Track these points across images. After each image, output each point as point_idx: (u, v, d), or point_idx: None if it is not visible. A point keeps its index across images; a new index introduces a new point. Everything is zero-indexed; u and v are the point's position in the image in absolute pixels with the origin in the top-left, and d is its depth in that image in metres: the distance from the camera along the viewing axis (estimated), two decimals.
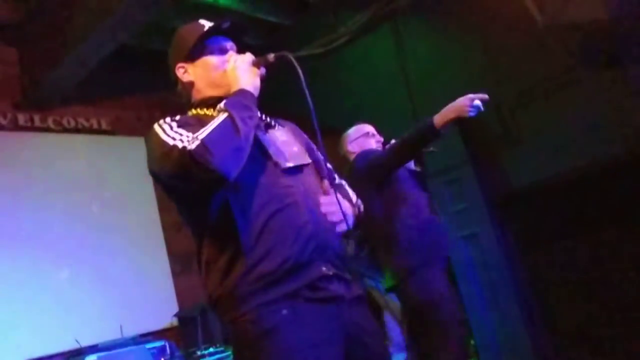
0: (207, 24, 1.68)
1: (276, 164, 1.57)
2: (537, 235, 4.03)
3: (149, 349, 3.00)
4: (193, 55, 1.67)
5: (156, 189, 4.98)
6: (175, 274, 4.84)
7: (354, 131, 3.03)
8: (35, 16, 4.22)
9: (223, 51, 1.68)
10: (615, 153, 3.56)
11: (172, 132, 1.48)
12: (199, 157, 1.37)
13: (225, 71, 1.63)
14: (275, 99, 5.69)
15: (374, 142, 2.95)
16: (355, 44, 4.81)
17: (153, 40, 4.65)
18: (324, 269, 1.49)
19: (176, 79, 1.71)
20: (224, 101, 1.53)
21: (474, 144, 4.12)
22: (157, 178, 1.54)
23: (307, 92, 1.56)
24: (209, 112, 1.61)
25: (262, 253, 1.46)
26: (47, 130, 4.39)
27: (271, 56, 1.62)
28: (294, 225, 1.49)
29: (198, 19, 1.71)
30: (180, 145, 1.41)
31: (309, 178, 1.63)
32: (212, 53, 1.67)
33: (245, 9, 4.69)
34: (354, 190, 1.91)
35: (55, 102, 4.44)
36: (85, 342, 3.49)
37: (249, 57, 1.63)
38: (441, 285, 2.65)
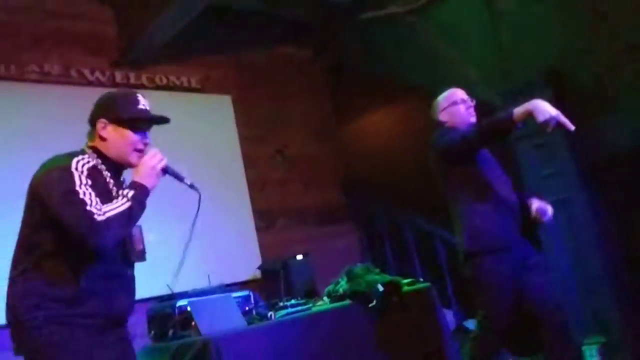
0: (141, 102, 1.98)
1: (124, 257, 1.98)
2: (633, 204, 3.82)
3: (235, 297, 3.14)
4: (119, 122, 1.93)
5: (242, 146, 5.14)
6: (259, 230, 5.02)
7: (443, 99, 2.97)
8: None
9: (143, 134, 1.97)
10: None
11: (84, 188, 1.78)
12: (98, 228, 1.72)
13: (133, 146, 1.94)
14: (370, 63, 5.68)
15: (464, 109, 2.90)
16: (444, 2, 4.66)
17: (240, 1, 4.72)
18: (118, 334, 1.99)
19: (92, 126, 1.97)
20: (132, 192, 1.87)
21: (569, 106, 3.92)
22: (45, 209, 1.79)
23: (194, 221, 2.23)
24: (110, 176, 1.95)
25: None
26: (141, 87, 4.58)
27: (187, 181, 2.11)
28: (106, 301, 1.90)
29: None
30: (88, 208, 1.73)
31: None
32: (133, 130, 1.94)
33: None
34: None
35: (148, 61, 4.63)
36: (176, 289, 3.69)
37: (163, 162, 1.98)
38: (497, 273, 2.69)
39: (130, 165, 1.97)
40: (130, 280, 2.04)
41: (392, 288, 3.25)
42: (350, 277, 3.30)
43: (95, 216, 1.72)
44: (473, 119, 2.88)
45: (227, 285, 3.77)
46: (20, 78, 4.08)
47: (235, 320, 2.88)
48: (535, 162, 4.02)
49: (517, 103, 4.00)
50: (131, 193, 1.86)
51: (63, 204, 1.74)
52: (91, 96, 4.22)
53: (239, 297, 3.21)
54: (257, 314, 3.07)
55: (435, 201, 3.17)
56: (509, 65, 4.27)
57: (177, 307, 2.97)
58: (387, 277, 3.33)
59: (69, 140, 4.08)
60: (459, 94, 2.95)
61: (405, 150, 5.02)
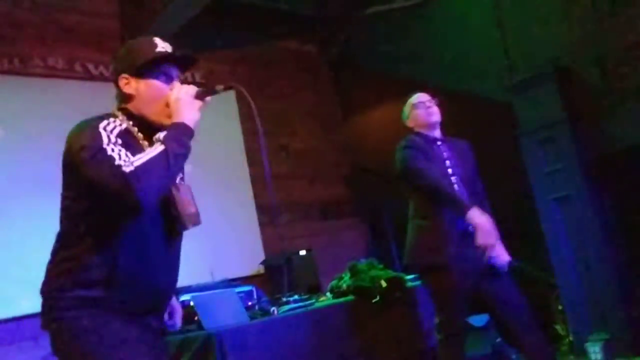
0: (160, 45, 1.73)
1: (171, 226, 1.70)
2: (638, 202, 3.80)
3: (238, 292, 3.14)
4: (140, 72, 1.70)
5: (246, 141, 5.13)
6: (262, 225, 5.01)
7: (406, 106, 3.05)
8: None
9: (169, 79, 1.72)
10: None
11: (112, 145, 1.55)
12: (128, 180, 1.47)
13: (166, 99, 1.69)
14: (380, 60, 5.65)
15: (424, 111, 2.95)
16: None
17: None
18: (152, 321, 1.71)
19: (116, 85, 1.74)
20: (163, 134, 1.61)
21: (573, 100, 3.89)
22: (76, 169, 1.58)
23: (257, 120, 1.77)
24: (143, 138, 1.69)
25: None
26: None
27: (220, 87, 1.73)
28: (145, 282, 1.65)
29: None
30: (116, 162, 1.50)
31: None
32: (158, 77, 1.71)
33: None
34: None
35: None
36: (179, 284, 3.70)
37: (192, 89, 1.69)
38: (441, 289, 2.76)
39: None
40: (174, 259, 1.79)
41: (396, 284, 3.25)
42: (354, 272, 3.30)
43: (124, 168, 1.49)
44: (433, 118, 2.93)
45: (231, 280, 3.77)
46: (23, 72, 4.09)
47: (238, 316, 2.88)
48: (540, 158, 3.98)
49: (523, 97, 4.05)
50: (164, 134, 1.61)
51: (90, 162, 1.54)
52: (95, 91, 4.33)
53: (242, 292, 3.22)
54: (260, 309, 3.08)
55: None
56: (516, 60, 4.24)
57: (180, 301, 2.96)
58: (391, 273, 3.33)
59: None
60: (419, 97, 3.00)
61: None
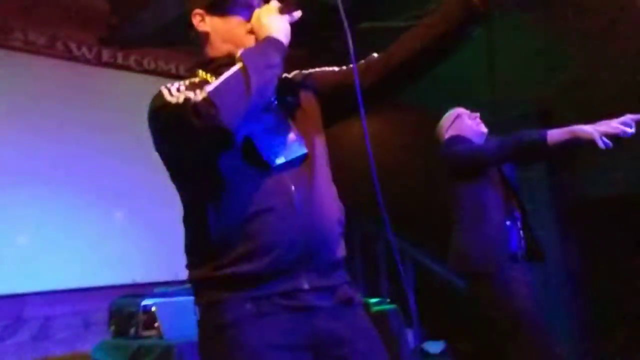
0: None
1: (264, 162, 1.35)
2: (603, 250, 3.89)
3: None
4: (216, 6, 1.48)
5: None
6: None
7: (446, 119, 2.92)
8: None
9: (250, 9, 1.47)
10: None
11: (178, 93, 1.32)
12: (201, 108, 1.23)
13: (248, 31, 1.45)
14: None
15: (469, 120, 2.84)
16: None
17: None
18: (303, 283, 1.34)
19: (190, 25, 1.50)
20: (241, 50, 1.37)
21: None
22: (159, 134, 1.38)
23: (348, 32, 1.42)
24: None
25: (234, 257, 1.31)
26: (128, 69, 4.47)
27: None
28: (274, 232, 1.31)
29: None
30: (182, 102, 1.28)
31: (306, 170, 1.41)
32: (237, 12, 1.47)
33: None
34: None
35: (139, 42, 4.50)
36: (144, 279, 3.66)
37: (274, 4, 1.44)
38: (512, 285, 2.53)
39: None
40: (296, 205, 1.35)
41: None
42: None
43: (192, 99, 1.25)
44: (483, 129, 2.82)
45: None
46: (3, 44, 3.93)
47: None
48: None
49: (505, 136, 4.09)
50: (240, 51, 1.35)
51: (157, 118, 1.34)
52: (75, 72, 4.19)
53: None
54: None
55: (411, 219, 3.14)
56: (501, 98, 4.28)
57: (142, 305, 2.88)
58: None
59: (51, 112, 4.01)
60: (460, 109, 2.90)
61: (388, 164, 4.99)
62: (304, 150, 1.41)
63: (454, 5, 1.37)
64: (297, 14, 1.45)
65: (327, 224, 1.39)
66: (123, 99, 4.25)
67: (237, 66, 1.30)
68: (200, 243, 1.37)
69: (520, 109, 4.09)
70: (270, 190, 1.34)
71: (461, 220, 2.68)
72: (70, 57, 4.21)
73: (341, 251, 1.44)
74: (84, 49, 4.29)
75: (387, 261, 4.95)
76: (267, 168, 1.35)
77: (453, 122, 2.87)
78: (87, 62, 4.25)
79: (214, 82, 1.29)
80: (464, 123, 2.83)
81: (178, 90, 1.34)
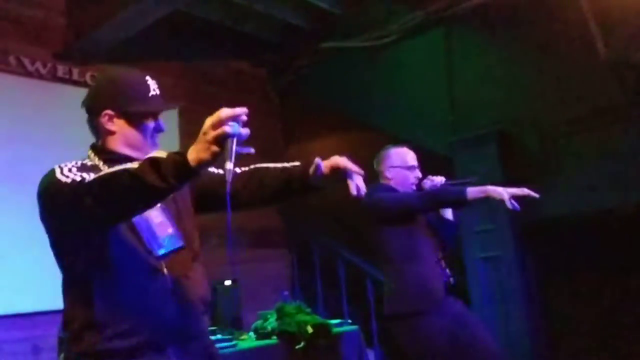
0: (152, 86, 1.58)
1: (149, 250, 1.52)
2: (559, 269, 3.97)
3: None
4: (129, 115, 1.56)
5: None
6: None
7: (396, 156, 2.96)
8: None
9: (155, 117, 1.61)
10: None
11: (67, 173, 1.43)
12: (78, 187, 1.35)
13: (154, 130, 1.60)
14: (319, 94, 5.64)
15: (412, 176, 2.94)
16: (404, 44, 4.71)
17: (199, 9, 4.59)
18: (171, 357, 1.50)
19: (93, 117, 1.59)
20: (149, 155, 1.34)
21: (512, 166, 4.02)
22: (49, 210, 1.50)
23: (228, 201, 1.42)
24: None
25: (113, 334, 1.45)
26: (84, 85, 4.35)
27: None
28: (149, 312, 1.49)
29: None
30: (80, 178, 1.38)
31: (181, 259, 1.58)
32: (148, 121, 1.59)
33: None
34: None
35: (95, 58, 4.39)
36: None
37: (232, 123, 1.34)
38: (432, 334, 2.68)
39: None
40: (170, 288, 1.53)
41: (322, 330, 3.20)
42: (280, 315, 3.22)
43: (86, 180, 1.35)
44: (413, 186, 2.95)
45: None
46: None
47: None
48: (472, 216, 4.08)
49: (464, 155, 4.16)
50: (148, 157, 1.31)
51: (45, 196, 1.46)
52: (28, 89, 4.06)
53: None
54: None
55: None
56: (460, 117, 4.34)
57: None
58: (318, 319, 3.27)
59: (1, 128, 3.85)
60: (412, 159, 2.97)
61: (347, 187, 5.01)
62: (181, 243, 1.58)
63: (295, 181, 1.69)
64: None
65: (195, 303, 1.58)
66: (78, 116, 4.11)
67: (120, 168, 1.30)
68: (82, 313, 1.48)
69: (479, 129, 4.15)
70: (150, 274, 1.51)
71: (391, 261, 2.82)
72: (23, 72, 4.07)
73: (206, 324, 1.67)
74: (38, 64, 4.16)
75: (347, 283, 4.92)
76: (150, 255, 1.52)
77: (401, 168, 2.94)
78: (40, 77, 4.12)
79: (106, 170, 1.36)
80: (407, 177, 2.93)
81: (70, 170, 1.44)
